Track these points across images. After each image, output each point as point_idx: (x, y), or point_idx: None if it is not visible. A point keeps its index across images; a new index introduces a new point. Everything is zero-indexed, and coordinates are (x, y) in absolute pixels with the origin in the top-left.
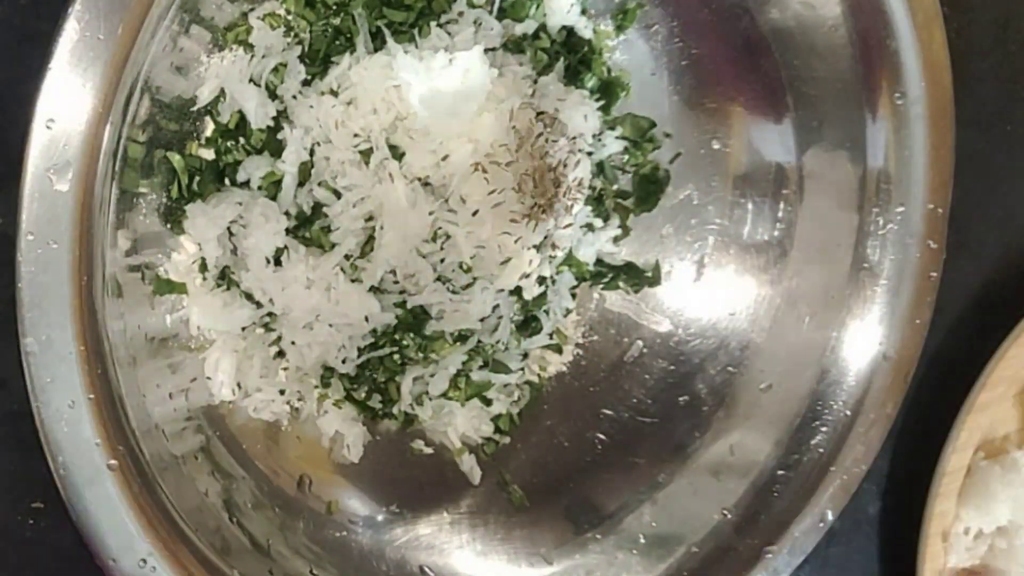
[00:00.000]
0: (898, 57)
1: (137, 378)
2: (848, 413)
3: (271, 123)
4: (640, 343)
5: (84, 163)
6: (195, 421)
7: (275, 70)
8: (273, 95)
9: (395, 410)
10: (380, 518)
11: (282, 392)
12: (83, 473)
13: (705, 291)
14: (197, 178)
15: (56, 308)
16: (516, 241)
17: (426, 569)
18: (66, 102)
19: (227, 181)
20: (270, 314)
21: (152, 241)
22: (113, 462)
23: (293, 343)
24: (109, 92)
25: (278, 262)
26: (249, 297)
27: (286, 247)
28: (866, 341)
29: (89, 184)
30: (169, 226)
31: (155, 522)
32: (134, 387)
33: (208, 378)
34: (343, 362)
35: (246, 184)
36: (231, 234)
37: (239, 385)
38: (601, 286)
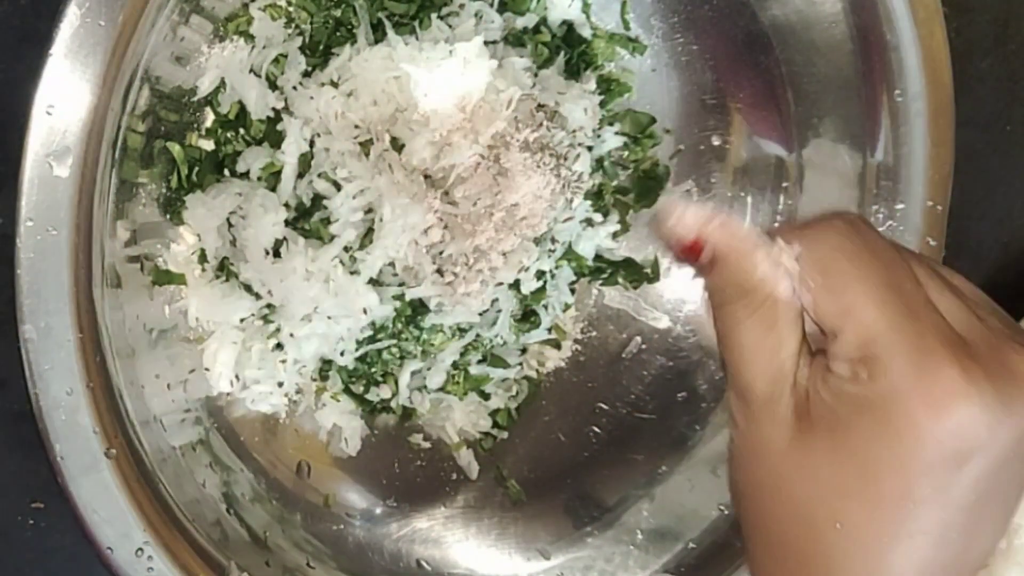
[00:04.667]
0: (898, 53)
1: (135, 368)
2: None
3: (271, 114)
4: (639, 339)
5: (84, 150)
6: (193, 413)
7: (276, 61)
8: (273, 86)
9: (393, 404)
10: (378, 511)
11: (280, 384)
12: (81, 461)
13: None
14: (196, 168)
15: (55, 295)
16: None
17: (423, 563)
18: (66, 89)
19: (227, 172)
20: (269, 306)
21: (151, 231)
22: (111, 450)
23: (291, 335)
24: (109, 80)
25: (277, 254)
26: (248, 289)
27: (285, 239)
28: None
29: (89, 172)
30: (168, 216)
31: (153, 511)
32: (132, 377)
33: (206, 369)
34: (341, 355)
35: (245, 175)
36: (230, 225)
37: (237, 377)
38: (600, 282)
